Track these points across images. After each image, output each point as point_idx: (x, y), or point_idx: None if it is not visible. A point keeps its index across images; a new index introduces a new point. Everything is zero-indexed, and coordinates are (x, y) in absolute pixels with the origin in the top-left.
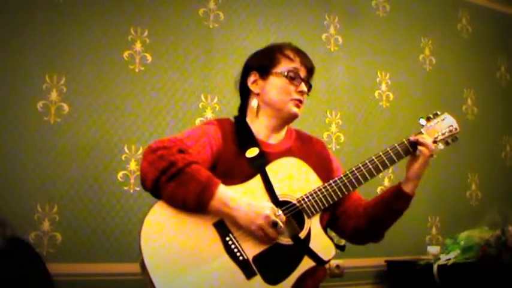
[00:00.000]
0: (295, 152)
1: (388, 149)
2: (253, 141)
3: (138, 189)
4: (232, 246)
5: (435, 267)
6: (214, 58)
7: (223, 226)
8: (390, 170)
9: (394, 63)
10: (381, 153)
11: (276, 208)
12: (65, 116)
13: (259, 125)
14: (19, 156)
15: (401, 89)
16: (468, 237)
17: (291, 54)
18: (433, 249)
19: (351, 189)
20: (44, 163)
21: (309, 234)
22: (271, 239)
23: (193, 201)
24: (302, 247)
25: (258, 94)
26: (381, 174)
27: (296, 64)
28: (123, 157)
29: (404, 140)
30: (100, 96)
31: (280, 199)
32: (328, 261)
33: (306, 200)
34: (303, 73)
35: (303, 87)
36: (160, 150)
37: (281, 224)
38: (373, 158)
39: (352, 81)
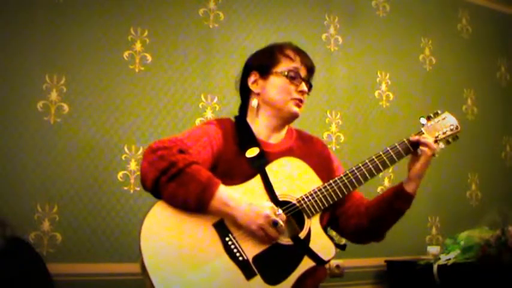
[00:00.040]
0: (295, 152)
1: (388, 148)
2: (253, 141)
3: (138, 189)
4: (232, 246)
5: (435, 267)
6: (214, 58)
7: (223, 226)
8: (390, 170)
9: (394, 63)
10: (381, 153)
11: (276, 207)
12: (65, 116)
13: (260, 124)
14: (19, 156)
15: (401, 89)
16: (468, 237)
17: (291, 53)
18: (433, 249)
19: (351, 189)
20: (44, 163)
21: (308, 234)
22: (271, 239)
23: (194, 202)
24: (302, 247)
25: (258, 94)
26: (381, 174)
27: (296, 64)
28: (123, 157)
29: (404, 139)
30: (100, 96)
31: (280, 199)
32: (328, 261)
33: (306, 200)
34: (303, 73)
35: (304, 86)
36: (160, 151)
37: (281, 223)
38: (373, 157)
39: (352, 81)
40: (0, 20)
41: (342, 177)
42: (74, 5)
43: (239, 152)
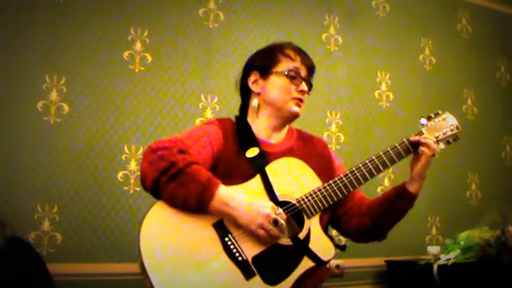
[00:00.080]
0: (296, 152)
1: (388, 148)
2: (253, 141)
3: (138, 189)
4: (231, 246)
5: (435, 267)
6: (214, 58)
7: (223, 226)
8: (390, 170)
9: (394, 63)
10: (381, 153)
11: (276, 207)
12: (65, 116)
13: (260, 124)
14: (19, 156)
15: (401, 89)
16: (468, 237)
17: (291, 53)
18: (433, 249)
19: (351, 189)
20: (44, 163)
21: (308, 235)
22: (273, 237)
23: (194, 202)
24: (301, 247)
25: (258, 94)
26: (381, 174)
27: (296, 63)
28: (123, 157)
29: (405, 139)
30: (100, 96)
31: (280, 199)
32: (328, 261)
33: (306, 200)
34: (303, 72)
35: (304, 86)
36: (160, 151)
37: (282, 221)
38: (374, 157)
39: (352, 81)
40: (0, 20)
41: (341, 178)
42: (74, 5)
43: (239, 152)
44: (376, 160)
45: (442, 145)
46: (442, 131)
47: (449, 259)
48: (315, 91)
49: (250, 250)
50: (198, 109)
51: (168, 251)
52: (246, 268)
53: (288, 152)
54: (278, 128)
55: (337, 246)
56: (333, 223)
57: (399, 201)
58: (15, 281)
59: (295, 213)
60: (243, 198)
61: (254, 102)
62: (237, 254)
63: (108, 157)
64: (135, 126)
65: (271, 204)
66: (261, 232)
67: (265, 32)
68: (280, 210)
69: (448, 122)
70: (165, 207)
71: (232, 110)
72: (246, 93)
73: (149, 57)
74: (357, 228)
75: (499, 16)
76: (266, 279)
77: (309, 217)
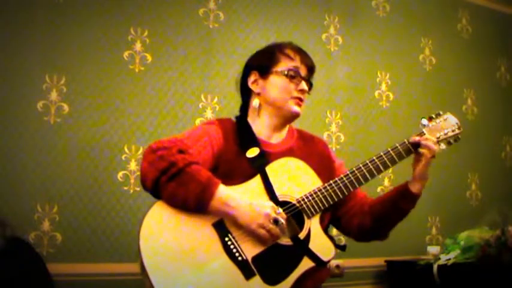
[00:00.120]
0: (296, 152)
1: (389, 149)
2: (254, 141)
3: (138, 189)
4: (231, 246)
5: (435, 267)
6: (214, 58)
7: (223, 226)
8: (390, 170)
9: (394, 63)
10: (381, 153)
11: (276, 207)
12: (65, 116)
13: (261, 124)
14: (19, 156)
15: (401, 89)
16: (468, 237)
17: (291, 53)
18: (433, 249)
19: (351, 189)
20: (44, 163)
21: (308, 235)
22: (274, 237)
23: (194, 202)
24: (301, 247)
25: (258, 94)
26: (381, 174)
27: (296, 63)
28: (123, 157)
29: (405, 140)
30: (100, 96)
31: (280, 199)
32: (328, 261)
33: (306, 200)
34: (303, 72)
35: (304, 85)
36: (160, 151)
37: (282, 221)
38: (374, 158)
39: (352, 81)
40: (0, 20)
41: (342, 178)
42: (74, 5)
43: (240, 152)
44: (376, 160)
45: (443, 145)
46: (443, 131)
47: (449, 259)
48: (315, 91)
49: (250, 250)
50: (198, 109)
51: (168, 251)
52: (246, 268)
53: (289, 152)
54: (278, 127)
55: (337, 246)
56: (334, 222)
57: (402, 201)
58: (15, 281)
59: (296, 214)
60: (243, 198)
61: (255, 102)
62: (237, 254)
63: (108, 157)
64: (135, 126)
65: (271, 204)
66: (262, 232)
67: (265, 32)
68: (280, 210)
69: (449, 123)
70: (165, 207)
71: (232, 110)
72: (246, 93)
73: (149, 57)
74: (358, 228)
75: (499, 16)
76: (266, 279)
77: (309, 217)
